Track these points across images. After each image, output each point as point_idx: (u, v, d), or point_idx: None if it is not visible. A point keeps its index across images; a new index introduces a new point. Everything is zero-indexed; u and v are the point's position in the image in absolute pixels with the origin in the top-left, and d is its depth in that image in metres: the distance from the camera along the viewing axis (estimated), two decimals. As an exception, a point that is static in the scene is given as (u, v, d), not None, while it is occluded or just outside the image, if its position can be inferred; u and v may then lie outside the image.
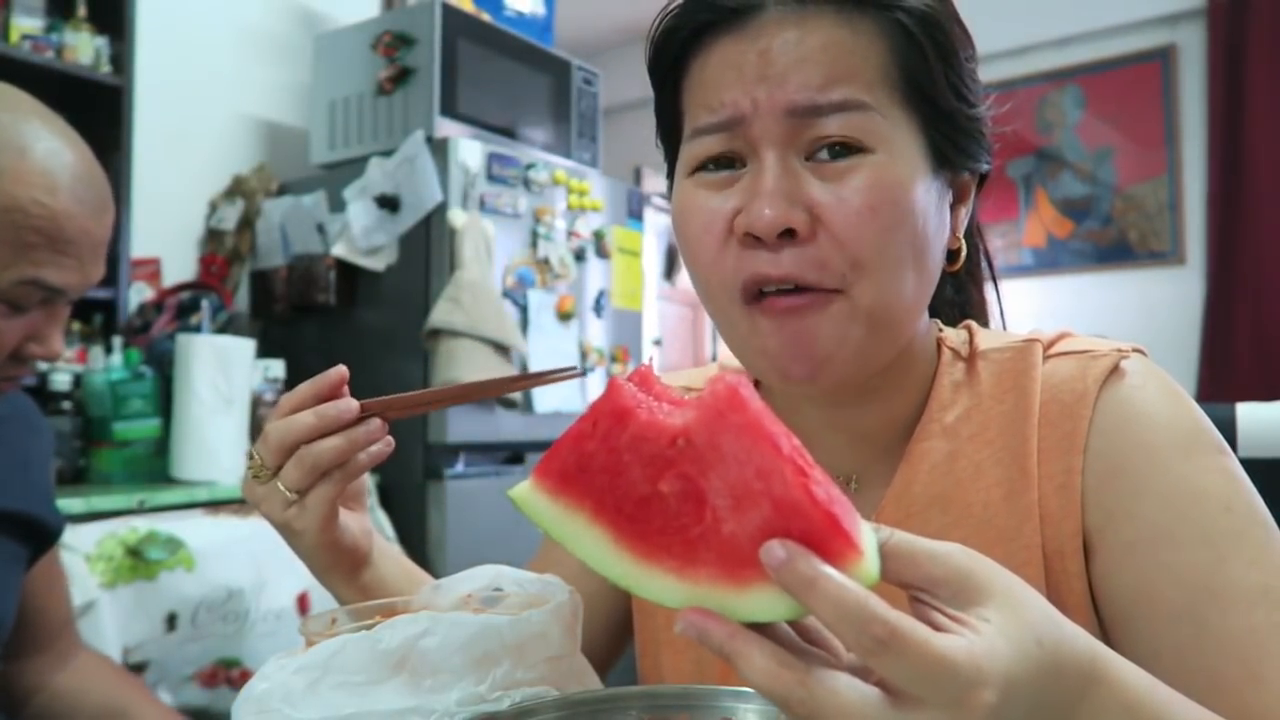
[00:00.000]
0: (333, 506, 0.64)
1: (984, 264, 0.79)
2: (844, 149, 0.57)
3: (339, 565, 0.69)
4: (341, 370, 0.64)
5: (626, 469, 0.40)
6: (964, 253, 0.67)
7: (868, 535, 0.38)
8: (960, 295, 0.79)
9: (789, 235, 0.57)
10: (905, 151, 0.58)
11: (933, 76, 0.59)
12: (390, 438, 0.65)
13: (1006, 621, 0.38)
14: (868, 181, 0.57)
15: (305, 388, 0.64)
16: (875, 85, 0.57)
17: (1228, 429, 0.84)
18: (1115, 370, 0.63)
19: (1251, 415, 0.87)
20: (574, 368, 0.68)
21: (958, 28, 0.62)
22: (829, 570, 0.36)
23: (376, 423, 0.64)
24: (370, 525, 0.72)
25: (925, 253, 0.60)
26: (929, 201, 0.60)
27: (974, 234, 0.76)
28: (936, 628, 0.37)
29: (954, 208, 0.65)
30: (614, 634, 0.81)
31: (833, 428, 0.69)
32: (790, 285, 0.58)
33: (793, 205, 0.57)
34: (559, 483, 0.42)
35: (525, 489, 0.42)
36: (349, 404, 0.63)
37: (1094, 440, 0.61)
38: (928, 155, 0.60)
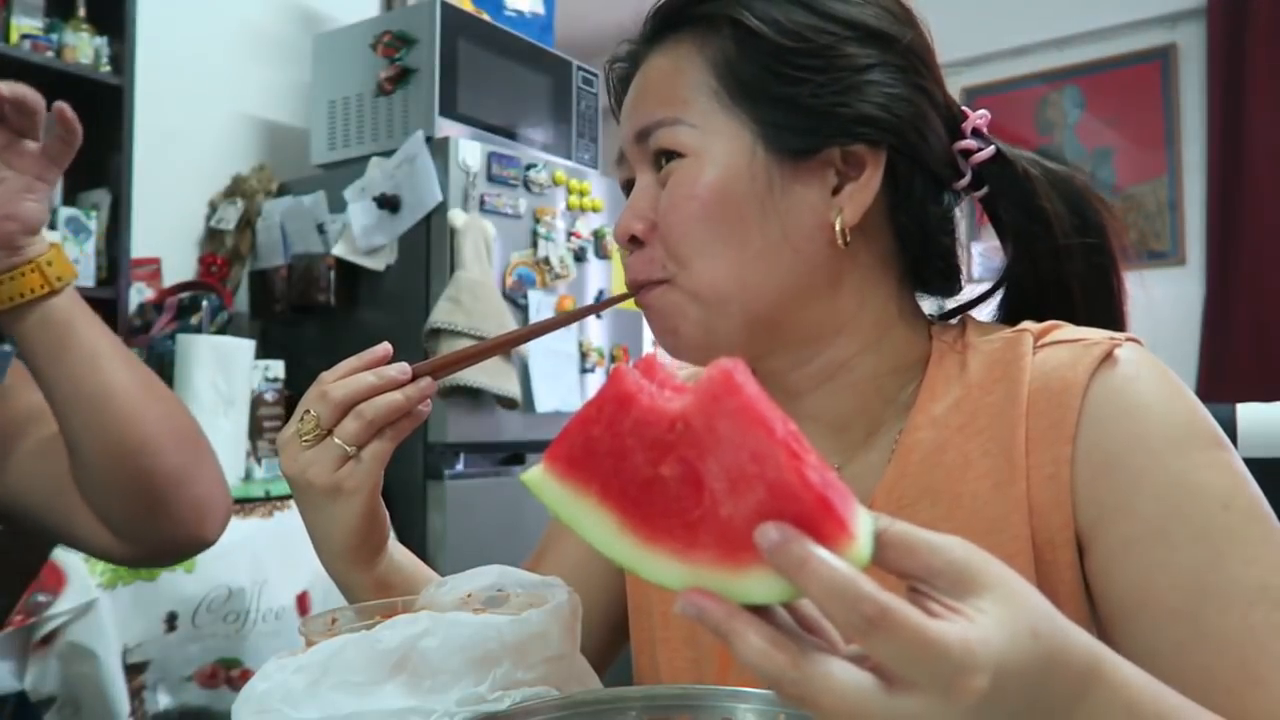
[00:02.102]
0: (383, 465, 0.67)
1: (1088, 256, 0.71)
2: (668, 157, 0.66)
3: (368, 543, 0.70)
4: (386, 347, 0.69)
5: (630, 453, 0.41)
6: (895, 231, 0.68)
7: (863, 519, 0.38)
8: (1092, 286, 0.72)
9: (637, 241, 0.68)
10: (721, 148, 0.65)
11: (750, 72, 0.64)
12: (429, 400, 0.69)
13: (1002, 613, 0.38)
14: (676, 182, 0.65)
15: (353, 360, 0.68)
16: (690, 99, 0.65)
17: (1228, 429, 0.84)
18: (1108, 359, 0.61)
19: (1251, 415, 0.87)
20: (627, 294, 0.73)
21: (791, 12, 0.64)
22: (820, 551, 0.36)
23: (428, 381, 0.68)
24: None
25: (750, 234, 0.64)
26: (754, 187, 0.64)
27: (1048, 227, 0.69)
28: (932, 615, 0.37)
29: (841, 187, 0.65)
30: (611, 632, 0.81)
31: (802, 417, 0.68)
32: (640, 283, 0.68)
33: (636, 217, 0.67)
34: (567, 466, 0.42)
35: (537, 473, 0.43)
36: (403, 366, 0.68)
37: (1085, 431, 0.60)
38: (760, 144, 0.64)
